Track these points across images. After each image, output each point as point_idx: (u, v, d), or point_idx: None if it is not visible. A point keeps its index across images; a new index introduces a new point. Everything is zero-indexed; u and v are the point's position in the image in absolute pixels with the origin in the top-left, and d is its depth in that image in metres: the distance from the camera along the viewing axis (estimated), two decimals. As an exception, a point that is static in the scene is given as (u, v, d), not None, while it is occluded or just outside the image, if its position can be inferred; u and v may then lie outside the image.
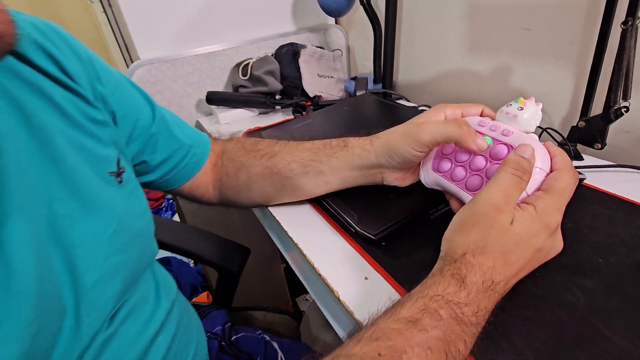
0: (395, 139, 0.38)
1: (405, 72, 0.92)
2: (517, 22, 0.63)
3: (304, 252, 0.41)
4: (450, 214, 0.44)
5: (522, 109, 0.35)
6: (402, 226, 0.40)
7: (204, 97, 0.83)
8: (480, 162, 0.35)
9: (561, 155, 0.32)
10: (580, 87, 0.59)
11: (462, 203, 0.36)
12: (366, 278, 0.37)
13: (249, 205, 0.49)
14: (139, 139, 0.41)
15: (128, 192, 0.35)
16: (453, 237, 0.30)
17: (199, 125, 0.88)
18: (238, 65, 0.86)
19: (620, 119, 0.50)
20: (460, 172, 0.36)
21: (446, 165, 0.37)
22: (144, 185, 0.45)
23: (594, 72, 0.51)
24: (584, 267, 0.34)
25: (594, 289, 0.32)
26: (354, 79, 0.92)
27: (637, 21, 0.45)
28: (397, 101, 0.84)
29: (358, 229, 0.41)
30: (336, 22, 1.04)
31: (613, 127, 0.52)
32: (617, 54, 0.47)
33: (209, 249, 0.62)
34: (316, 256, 0.40)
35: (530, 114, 0.34)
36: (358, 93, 0.79)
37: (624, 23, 0.45)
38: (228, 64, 0.88)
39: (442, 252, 0.31)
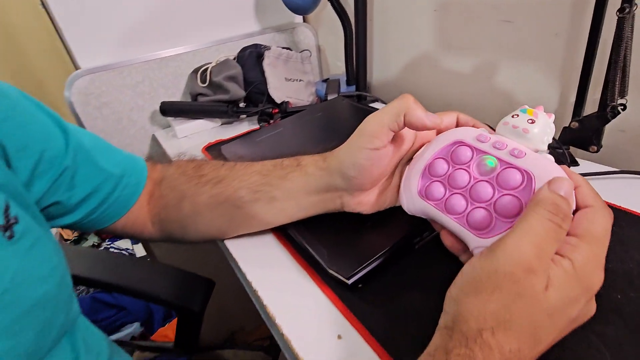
0: (343, 148, 0.33)
1: (380, 71, 0.86)
2: (497, 14, 0.57)
3: (264, 303, 0.33)
4: (438, 240, 0.37)
5: (533, 121, 0.27)
6: (381, 263, 0.33)
7: (158, 108, 0.74)
8: (485, 190, 0.27)
9: (586, 186, 0.25)
10: (569, 83, 0.53)
11: (459, 239, 0.28)
12: (339, 337, 0.29)
13: (199, 240, 0.41)
14: (47, 174, 0.32)
15: (24, 249, 0.27)
16: (464, 300, 0.22)
17: (155, 140, 0.78)
18: (196, 71, 0.77)
19: (613, 119, 0.45)
20: (458, 202, 0.28)
21: (438, 190, 0.30)
22: (65, 227, 0.37)
23: (586, 67, 0.46)
24: (602, 308, 0.28)
25: (618, 338, 0.26)
26: (326, 81, 0.84)
27: (635, 8, 0.40)
28: (372, 104, 0.78)
29: (328, 270, 0.33)
30: (304, 20, 0.97)
31: (607, 127, 0.47)
32: (612, 45, 0.42)
33: (162, 287, 0.53)
34: (279, 307, 0.33)
35: (541, 128, 0.27)
36: (329, 97, 0.72)
37: (620, 11, 0.40)
38: (184, 70, 0.79)
39: (447, 316, 0.23)
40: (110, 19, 0.71)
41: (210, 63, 0.76)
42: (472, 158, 0.29)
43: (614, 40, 0.42)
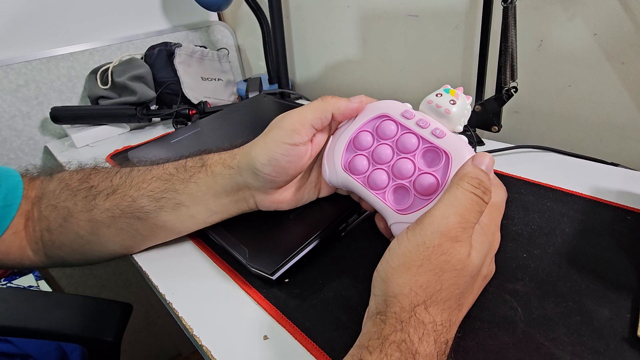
0: (257, 142, 0.30)
1: (302, 69, 0.86)
2: (404, 9, 0.60)
3: (180, 315, 0.29)
4: (364, 224, 0.37)
5: (454, 102, 0.27)
6: (307, 254, 0.32)
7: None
8: (407, 167, 0.27)
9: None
10: (470, 70, 0.58)
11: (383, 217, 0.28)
12: (265, 337, 0.27)
13: (101, 261, 0.35)
14: None
15: None
16: (393, 277, 0.21)
17: (47, 152, 0.67)
18: (95, 71, 0.69)
19: (509, 100, 0.50)
20: (380, 177, 0.28)
21: (361, 164, 0.29)
22: None
23: (483, 55, 0.50)
24: (512, 267, 0.30)
25: (527, 293, 0.28)
26: (247, 80, 0.81)
27: (515, -1, 0.44)
28: (297, 101, 0.77)
29: (250, 267, 0.31)
30: (220, 19, 0.93)
31: (504, 109, 0.52)
32: (501, 33, 0.46)
33: (63, 319, 0.45)
34: (197, 316, 0.29)
35: (460, 110, 0.27)
36: (250, 95, 0.70)
37: (504, 1, 0.44)
38: (80, 72, 0.69)
39: (378, 299, 0.22)
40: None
41: (112, 62, 0.68)
42: (396, 133, 0.29)
43: (501, 28, 0.46)
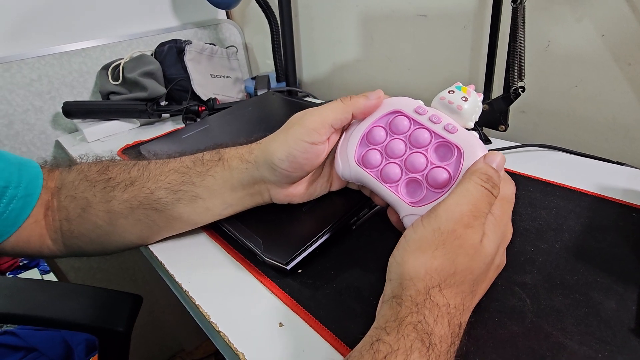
0: (276, 138, 0.31)
1: (309, 68, 0.86)
2: (412, 9, 0.61)
3: (197, 303, 0.30)
4: (375, 218, 0.38)
5: (466, 99, 0.28)
6: (320, 246, 0.33)
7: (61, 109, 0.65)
8: (419, 161, 0.28)
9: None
10: (477, 70, 0.59)
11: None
12: (281, 325, 0.28)
13: (117, 251, 0.36)
14: None
15: None
16: (409, 261, 0.23)
17: (59, 147, 0.68)
18: (106, 67, 0.69)
19: (516, 100, 0.51)
20: (393, 171, 0.29)
21: (375, 158, 0.30)
22: None
23: (491, 54, 0.51)
24: (520, 260, 0.31)
25: (535, 286, 0.28)
26: (255, 78, 0.82)
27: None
28: (305, 99, 0.78)
29: (265, 258, 0.31)
30: (228, 17, 0.94)
31: (511, 110, 0.53)
32: (510, 33, 0.47)
33: (76, 309, 0.46)
34: (213, 304, 0.30)
35: (472, 107, 0.28)
36: (259, 92, 0.70)
37: (514, 1, 0.45)
38: (92, 67, 0.70)
39: (394, 283, 0.23)
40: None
41: (123, 59, 0.69)
42: (409, 128, 0.29)
43: (510, 28, 0.47)
